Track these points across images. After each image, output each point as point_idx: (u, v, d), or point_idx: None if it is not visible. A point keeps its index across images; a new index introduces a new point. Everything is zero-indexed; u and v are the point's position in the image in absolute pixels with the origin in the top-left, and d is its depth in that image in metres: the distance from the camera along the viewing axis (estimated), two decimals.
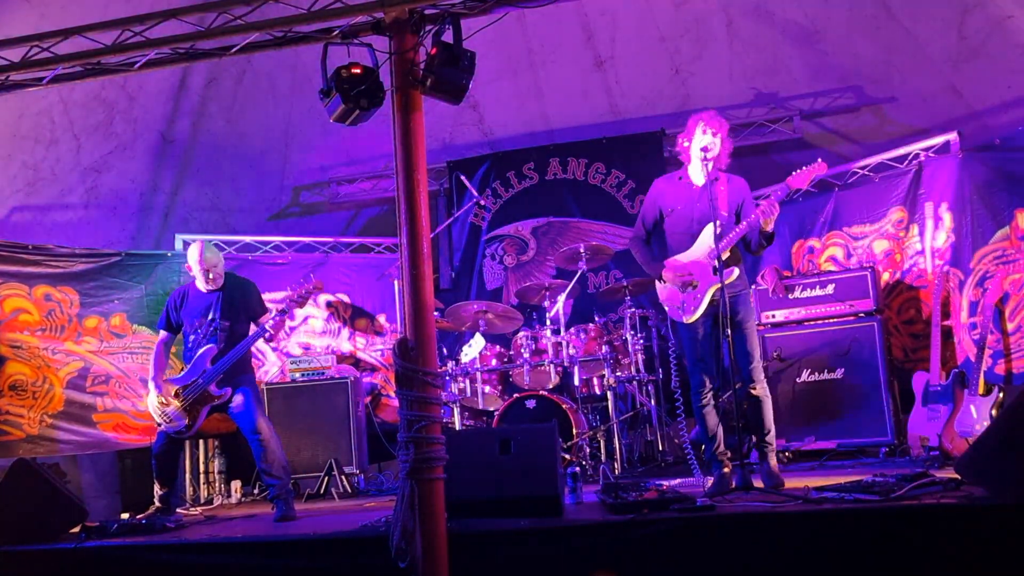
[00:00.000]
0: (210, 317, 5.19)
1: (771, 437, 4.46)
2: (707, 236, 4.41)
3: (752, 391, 4.44)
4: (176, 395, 5.05)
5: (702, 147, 4.42)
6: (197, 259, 5.20)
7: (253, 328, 5.24)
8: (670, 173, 4.75)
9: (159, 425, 5.14)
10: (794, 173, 4.40)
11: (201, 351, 5.10)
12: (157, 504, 5.21)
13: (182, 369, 5.23)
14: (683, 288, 4.45)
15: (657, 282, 4.63)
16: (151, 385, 5.16)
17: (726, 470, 4.40)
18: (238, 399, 5.08)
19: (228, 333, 5.15)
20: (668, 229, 4.59)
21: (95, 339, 6.51)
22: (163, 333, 5.38)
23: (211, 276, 5.20)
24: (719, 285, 4.26)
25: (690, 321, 4.46)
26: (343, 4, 3.86)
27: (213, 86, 7.51)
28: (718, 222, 4.30)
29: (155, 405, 5.10)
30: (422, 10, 3.73)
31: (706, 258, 4.41)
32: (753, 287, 5.35)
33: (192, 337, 5.22)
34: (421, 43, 3.72)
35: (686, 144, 4.54)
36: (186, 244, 7.32)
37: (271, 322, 5.11)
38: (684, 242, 4.52)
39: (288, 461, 5.25)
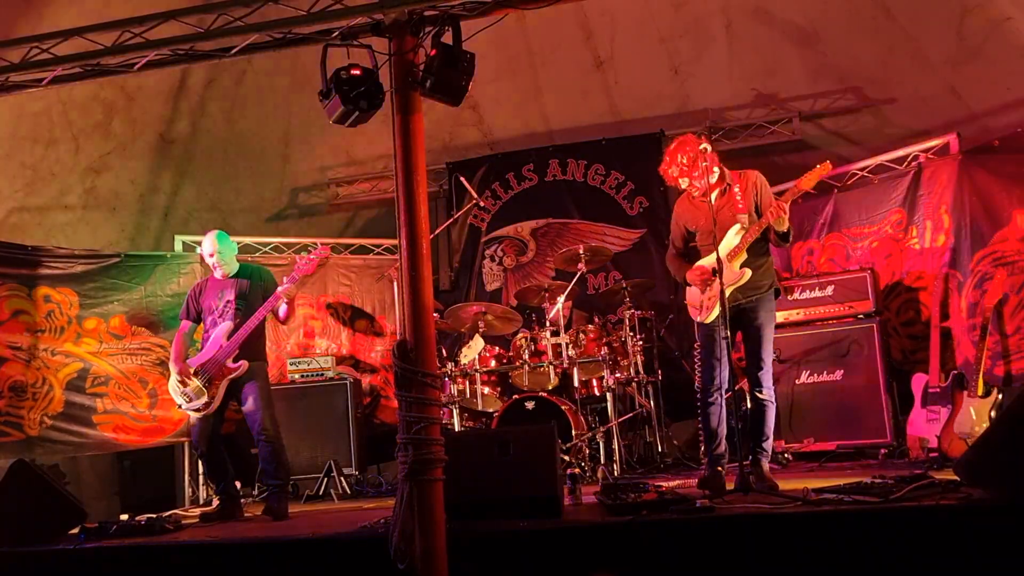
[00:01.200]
0: (226, 299, 5.29)
1: (768, 444, 4.49)
2: (727, 238, 4.46)
3: (758, 395, 4.46)
4: (195, 374, 5.16)
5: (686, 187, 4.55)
6: (209, 247, 5.33)
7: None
8: (687, 191, 4.78)
9: (180, 407, 5.29)
10: (803, 177, 4.42)
11: (217, 329, 5.22)
12: (217, 500, 5.30)
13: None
14: (704, 286, 4.51)
15: (686, 286, 4.72)
16: (171, 366, 5.28)
17: (720, 469, 4.45)
18: (247, 401, 5.16)
19: (243, 311, 5.23)
20: (699, 244, 4.69)
21: (94, 340, 6.50)
22: (185, 323, 5.46)
23: (223, 261, 5.32)
24: (732, 287, 4.35)
25: (707, 321, 4.53)
26: (343, 6, 3.86)
27: (213, 87, 7.51)
28: (740, 226, 4.45)
29: (174, 385, 5.22)
30: (421, 12, 3.73)
31: (724, 259, 4.45)
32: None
33: (209, 319, 5.34)
34: (420, 44, 3.72)
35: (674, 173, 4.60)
36: (185, 245, 7.33)
37: (281, 288, 5.18)
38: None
39: (289, 463, 5.33)
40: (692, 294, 4.66)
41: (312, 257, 5.37)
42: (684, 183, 4.56)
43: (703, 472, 4.62)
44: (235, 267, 5.41)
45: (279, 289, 5.21)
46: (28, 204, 7.04)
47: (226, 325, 5.21)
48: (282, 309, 5.27)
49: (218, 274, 5.39)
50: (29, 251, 6.35)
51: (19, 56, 4.23)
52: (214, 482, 5.35)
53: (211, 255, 5.33)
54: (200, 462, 5.34)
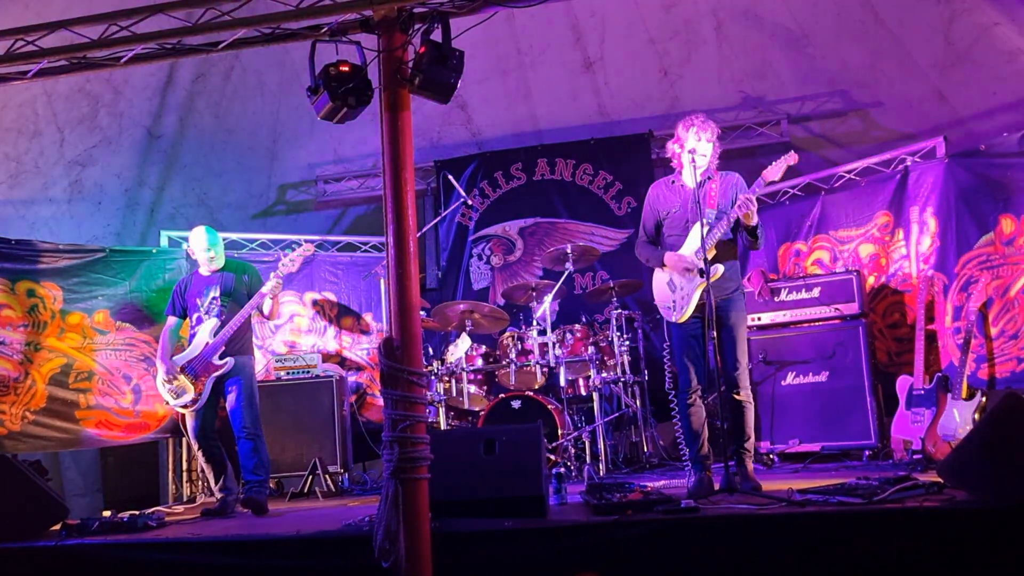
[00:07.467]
0: (212, 295, 5.34)
1: (750, 444, 4.47)
2: (694, 236, 4.43)
3: (735, 396, 4.44)
4: (182, 370, 5.21)
5: (691, 150, 4.44)
6: (197, 243, 5.39)
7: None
8: (665, 178, 4.77)
9: (167, 403, 5.37)
10: (768, 168, 4.43)
11: (203, 326, 5.27)
12: (217, 495, 5.32)
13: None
14: (684, 273, 4.44)
15: (653, 281, 4.65)
16: (158, 364, 5.34)
17: (707, 472, 4.44)
18: (230, 396, 5.21)
19: (228, 308, 5.28)
20: (666, 232, 4.64)
21: (78, 335, 6.44)
22: (171, 319, 5.49)
23: (210, 257, 5.37)
24: (705, 284, 4.28)
25: (680, 321, 4.49)
26: (332, 1, 3.84)
27: (200, 82, 7.45)
28: (704, 220, 4.33)
29: (161, 381, 5.28)
30: (411, 8, 3.72)
31: (693, 256, 4.43)
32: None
33: (195, 315, 5.37)
34: (410, 41, 3.70)
35: (677, 150, 4.57)
36: (171, 241, 7.28)
37: (269, 285, 5.20)
38: (679, 244, 4.56)
39: (271, 461, 5.39)
40: (661, 292, 4.59)
41: (296, 256, 5.39)
42: (704, 158, 4.45)
43: (687, 475, 4.61)
44: (222, 262, 5.44)
45: (263, 288, 5.23)
46: (12, 197, 6.97)
47: (211, 322, 5.25)
48: (267, 305, 5.30)
49: (204, 270, 5.44)
50: (12, 244, 6.28)
51: (3, 48, 4.18)
52: (214, 477, 5.33)
53: (202, 250, 5.37)
54: (198, 451, 5.32)
